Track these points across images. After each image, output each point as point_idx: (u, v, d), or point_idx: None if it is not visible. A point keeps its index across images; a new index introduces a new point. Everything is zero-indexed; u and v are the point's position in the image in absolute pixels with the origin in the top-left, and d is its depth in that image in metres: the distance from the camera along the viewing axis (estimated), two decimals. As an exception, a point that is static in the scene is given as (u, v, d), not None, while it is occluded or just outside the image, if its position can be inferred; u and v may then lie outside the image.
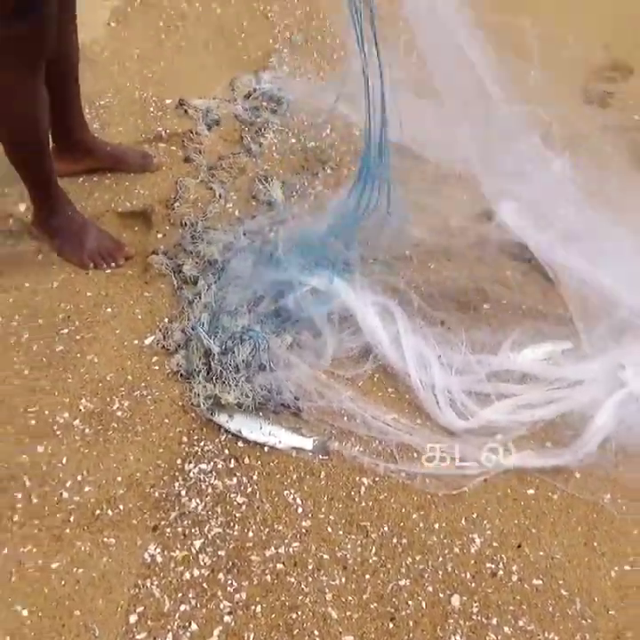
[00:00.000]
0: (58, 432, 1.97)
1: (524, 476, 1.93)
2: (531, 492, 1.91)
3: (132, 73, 3.07)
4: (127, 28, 3.30)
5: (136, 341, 2.18)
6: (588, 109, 3.04)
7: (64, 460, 1.91)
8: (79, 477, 1.88)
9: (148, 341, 2.18)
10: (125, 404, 2.04)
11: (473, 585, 1.75)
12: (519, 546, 1.82)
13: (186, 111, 2.90)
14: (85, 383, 2.07)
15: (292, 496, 1.88)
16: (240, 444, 1.97)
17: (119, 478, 1.89)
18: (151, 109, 2.92)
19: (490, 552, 1.80)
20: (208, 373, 2.07)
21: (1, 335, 2.17)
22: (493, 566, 1.78)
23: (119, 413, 2.02)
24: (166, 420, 2.01)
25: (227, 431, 1.98)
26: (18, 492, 1.85)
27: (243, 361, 2.06)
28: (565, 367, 2.12)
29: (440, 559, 1.78)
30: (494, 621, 1.69)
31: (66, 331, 2.19)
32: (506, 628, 1.68)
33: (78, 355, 2.13)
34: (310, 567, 1.76)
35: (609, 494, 1.90)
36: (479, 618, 1.70)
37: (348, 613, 1.69)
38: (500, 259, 2.40)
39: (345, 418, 2.02)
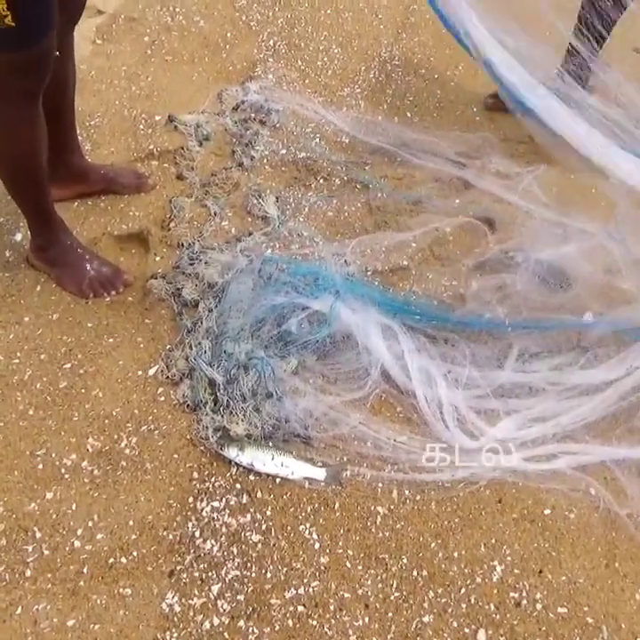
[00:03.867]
0: (66, 476, 1.75)
1: (539, 495, 1.73)
2: (547, 512, 1.71)
3: (120, 90, 2.80)
4: (112, 44, 3.03)
5: (140, 372, 1.95)
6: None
7: (73, 507, 1.69)
8: (90, 524, 1.67)
9: (151, 372, 1.95)
10: (133, 440, 1.81)
11: (497, 617, 1.55)
12: (540, 571, 1.62)
13: (176, 127, 2.65)
14: (91, 420, 1.85)
15: (307, 531, 1.67)
16: (251, 477, 1.76)
17: (131, 522, 1.67)
18: (141, 127, 2.66)
19: (512, 580, 1.60)
20: (215, 404, 1.85)
21: (3, 374, 1.93)
22: (516, 595, 1.58)
23: (127, 451, 1.80)
24: (175, 456, 1.79)
25: (237, 465, 1.77)
26: (28, 545, 1.63)
27: (249, 390, 1.85)
28: (574, 375, 1.92)
29: (462, 591, 1.59)
30: (523, 656, 1.50)
31: (69, 365, 1.96)
32: (535, 663, 1.50)
33: (83, 390, 1.91)
34: (332, 608, 1.56)
35: (627, 509, 1.71)
36: (507, 653, 1.51)
37: (374, 656, 1.50)
38: (497, 267, 2.19)
39: (355, 442, 1.81)
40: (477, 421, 1.83)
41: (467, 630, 1.53)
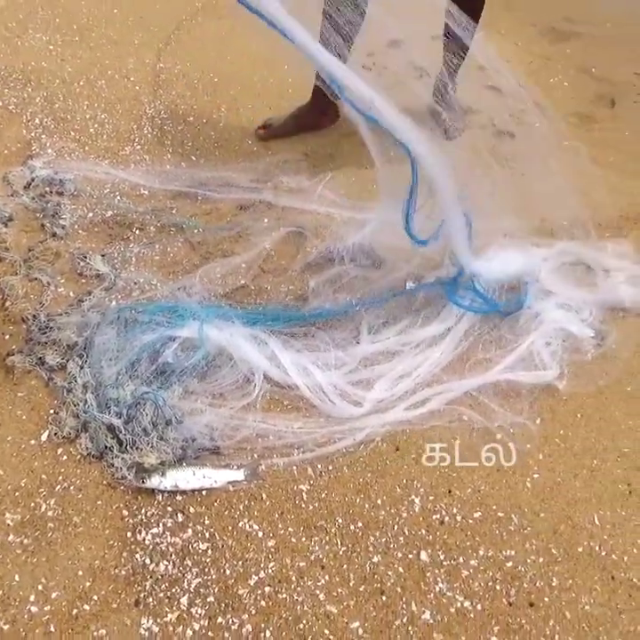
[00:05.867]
0: (-3, 553, 1.78)
1: (426, 434, 2.04)
2: (437, 445, 2.03)
3: None
4: None
5: (32, 441, 2.00)
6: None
7: (17, 578, 1.73)
8: (40, 587, 1.71)
9: (44, 437, 2.01)
10: (52, 502, 1.87)
11: (430, 537, 1.83)
12: (449, 491, 1.92)
13: (-27, 217, 2.69)
14: (1, 498, 1.88)
15: (247, 525, 1.84)
16: (178, 497, 1.89)
17: (80, 572, 1.74)
18: None
19: (430, 505, 1.89)
20: (120, 445, 1.96)
21: None
22: (438, 516, 1.87)
23: (50, 513, 1.85)
24: (99, 502, 1.88)
25: (161, 491, 1.89)
26: (-16, 628, 1.65)
27: (149, 423, 1.98)
28: (417, 333, 2.26)
29: (395, 527, 1.85)
30: (461, 560, 1.79)
31: (-45, 456, 1.97)
32: (473, 562, 1.78)
33: (-20, 474, 1.93)
34: (294, 578, 1.75)
35: (495, 422, 2.07)
36: (449, 562, 1.78)
37: (345, 603, 1.70)
38: (321, 264, 2.51)
39: (259, 439, 2.01)
40: (356, 391, 2.11)
41: (411, 556, 1.79)
